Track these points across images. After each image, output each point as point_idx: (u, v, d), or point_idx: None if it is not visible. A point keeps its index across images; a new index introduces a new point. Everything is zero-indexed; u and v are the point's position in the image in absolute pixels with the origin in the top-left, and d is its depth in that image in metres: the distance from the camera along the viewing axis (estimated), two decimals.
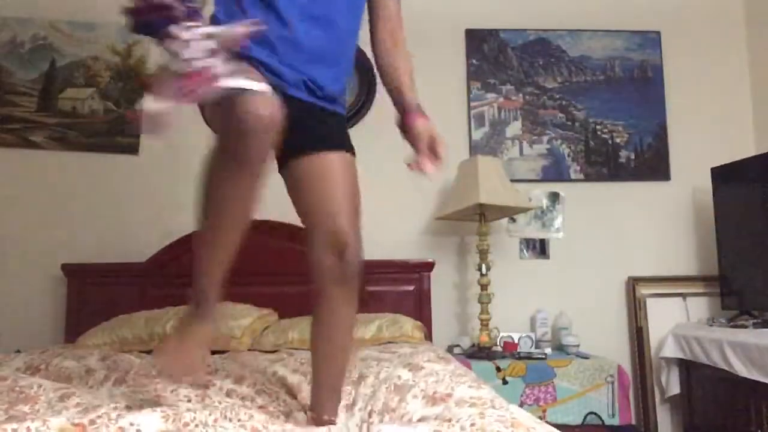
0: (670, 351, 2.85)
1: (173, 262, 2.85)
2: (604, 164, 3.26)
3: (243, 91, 1.03)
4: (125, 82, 3.18)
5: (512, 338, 2.90)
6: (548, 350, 2.86)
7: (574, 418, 2.54)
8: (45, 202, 3.07)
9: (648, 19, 3.37)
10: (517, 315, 3.09)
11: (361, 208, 1.39)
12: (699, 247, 3.22)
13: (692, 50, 3.37)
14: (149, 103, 0.98)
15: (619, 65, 3.33)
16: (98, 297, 2.89)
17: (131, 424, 1.02)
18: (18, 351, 2.27)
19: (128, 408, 1.17)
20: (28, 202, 3.06)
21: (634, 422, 2.93)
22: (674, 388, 2.90)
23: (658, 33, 3.36)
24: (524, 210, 2.97)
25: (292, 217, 1.40)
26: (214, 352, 2.21)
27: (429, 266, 3.03)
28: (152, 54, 3.15)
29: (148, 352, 2.25)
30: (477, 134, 3.25)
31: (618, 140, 3.28)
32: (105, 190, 3.06)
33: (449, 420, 1.14)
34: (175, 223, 2.79)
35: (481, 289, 2.83)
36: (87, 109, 3.14)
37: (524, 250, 3.19)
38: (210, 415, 1.13)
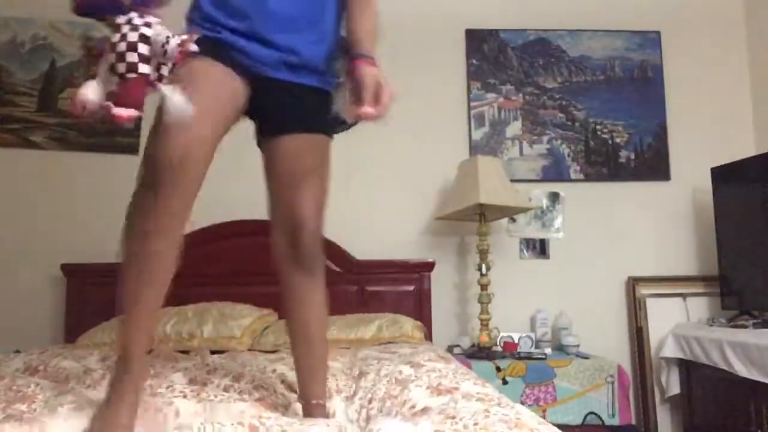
0: (670, 351, 2.85)
1: None
2: (604, 164, 3.26)
3: (169, 114, 1.00)
4: None
5: (512, 338, 2.90)
6: (548, 350, 2.86)
7: (574, 418, 2.54)
8: (45, 202, 3.07)
9: (648, 19, 3.37)
10: (517, 315, 3.09)
11: (327, 193, 1.36)
12: (699, 247, 3.22)
13: (692, 50, 3.37)
14: (89, 90, 0.97)
15: (619, 65, 3.33)
16: (98, 297, 2.87)
17: None
18: (17, 351, 2.27)
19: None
20: (28, 202, 3.06)
21: (634, 422, 2.93)
22: (674, 388, 2.90)
23: (658, 33, 3.36)
24: (524, 210, 2.97)
25: None
26: (213, 352, 2.21)
27: (429, 266, 3.03)
28: None
29: (148, 352, 2.24)
30: (477, 134, 3.24)
31: (618, 140, 3.27)
32: (105, 190, 3.06)
33: (453, 417, 1.13)
34: None
35: (481, 289, 2.83)
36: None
37: (524, 250, 3.19)
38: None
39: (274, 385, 1.55)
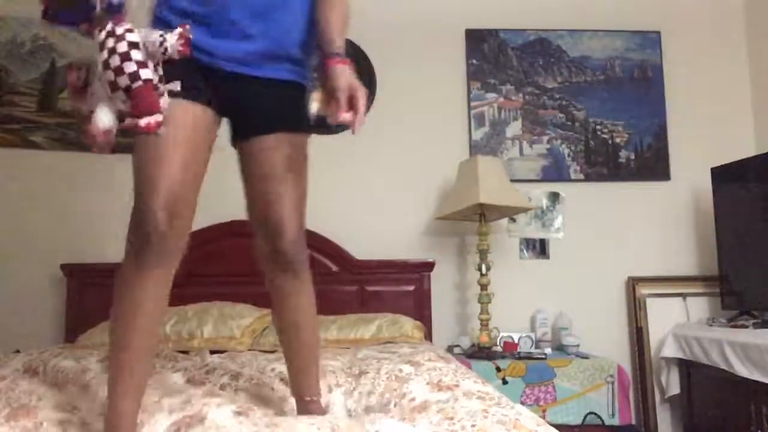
0: (670, 351, 2.85)
1: None
2: (604, 164, 3.26)
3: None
4: None
5: (512, 338, 2.90)
6: (548, 350, 2.86)
7: (574, 418, 2.54)
8: (45, 202, 3.07)
9: (648, 19, 3.37)
10: (517, 315, 3.09)
11: (306, 192, 1.33)
12: (699, 247, 3.22)
13: (692, 50, 3.37)
14: (101, 119, 0.95)
15: (619, 65, 3.33)
16: (98, 297, 2.88)
17: None
18: (17, 351, 2.27)
19: None
20: (28, 202, 3.06)
21: (634, 422, 2.93)
22: (674, 388, 2.90)
23: (658, 33, 3.36)
24: (524, 210, 2.97)
25: None
26: (213, 352, 2.21)
27: (429, 266, 3.03)
28: None
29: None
30: (477, 134, 3.24)
31: (618, 140, 3.27)
32: (105, 190, 3.06)
33: (451, 418, 1.13)
34: None
35: (481, 289, 2.83)
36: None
37: (524, 250, 3.19)
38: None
39: (271, 383, 1.55)
